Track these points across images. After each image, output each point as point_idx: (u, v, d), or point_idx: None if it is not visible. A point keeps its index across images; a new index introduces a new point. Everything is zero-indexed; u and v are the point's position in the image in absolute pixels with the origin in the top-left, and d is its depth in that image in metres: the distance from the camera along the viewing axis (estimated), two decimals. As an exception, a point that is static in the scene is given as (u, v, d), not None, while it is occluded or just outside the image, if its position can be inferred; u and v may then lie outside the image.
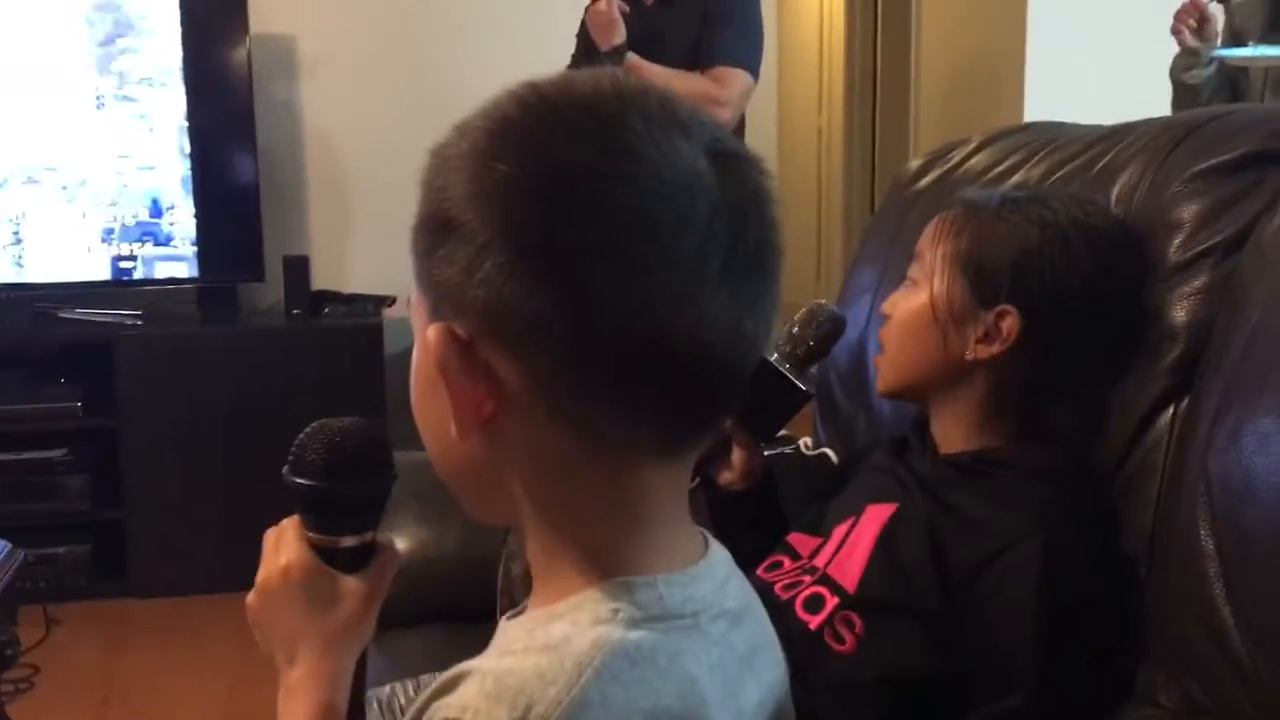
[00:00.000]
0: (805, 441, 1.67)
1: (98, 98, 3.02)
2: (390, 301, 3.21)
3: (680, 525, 0.66)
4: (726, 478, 1.28)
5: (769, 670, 0.69)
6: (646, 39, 2.73)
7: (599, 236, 0.56)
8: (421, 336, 0.62)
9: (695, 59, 2.68)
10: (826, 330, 1.23)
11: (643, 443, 0.60)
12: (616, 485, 0.61)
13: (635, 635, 0.58)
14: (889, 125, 4.76)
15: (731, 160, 0.60)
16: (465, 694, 0.56)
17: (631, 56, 2.61)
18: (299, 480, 0.74)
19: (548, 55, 2.90)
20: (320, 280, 3.23)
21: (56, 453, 2.96)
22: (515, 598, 1.46)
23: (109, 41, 3.01)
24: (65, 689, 2.51)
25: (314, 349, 3.09)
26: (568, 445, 0.59)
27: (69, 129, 3.00)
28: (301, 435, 0.75)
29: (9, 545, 1.69)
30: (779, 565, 1.20)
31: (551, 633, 0.58)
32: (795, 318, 1.25)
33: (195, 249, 3.08)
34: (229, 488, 2.99)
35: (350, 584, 0.75)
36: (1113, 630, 1.03)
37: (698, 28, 2.68)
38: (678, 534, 0.65)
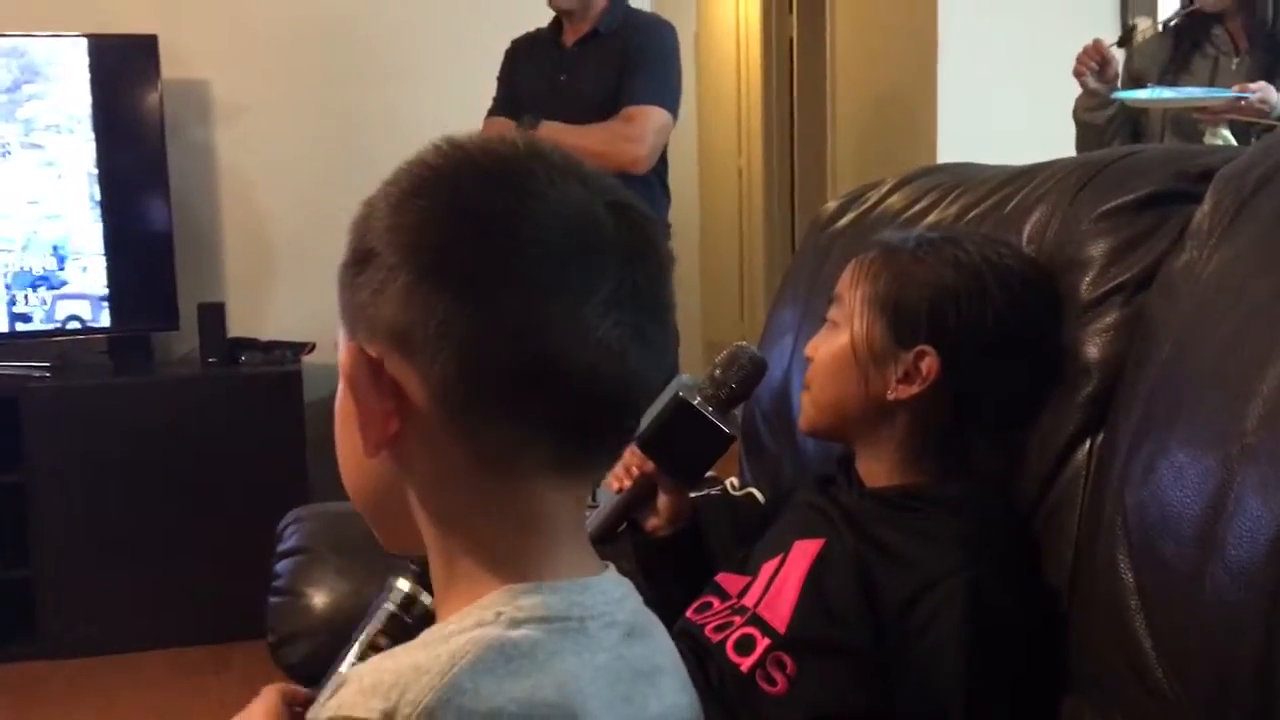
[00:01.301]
0: (731, 481, 1.68)
1: (2, 145, 2.94)
2: (309, 348, 3.16)
3: (573, 543, 0.69)
4: (653, 523, 1.27)
5: (674, 693, 0.71)
6: (569, 76, 2.79)
7: (496, 257, 0.62)
8: (341, 371, 0.66)
9: (612, 101, 2.73)
10: (748, 373, 1.24)
11: (533, 458, 0.64)
12: (513, 501, 0.65)
13: (514, 633, 0.61)
14: (807, 164, 4.84)
15: (628, 211, 0.66)
16: (343, 695, 0.60)
17: (545, 123, 2.65)
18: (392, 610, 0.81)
19: (466, 103, 2.90)
20: (236, 328, 3.17)
21: (-40, 511, 2.85)
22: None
23: (14, 88, 2.94)
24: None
25: (231, 397, 3.03)
26: (469, 461, 0.64)
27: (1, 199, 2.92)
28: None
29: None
30: (708, 606, 1.20)
31: (439, 634, 0.63)
32: (716, 360, 1.25)
33: (107, 297, 3.01)
34: (142, 543, 2.91)
35: None
36: (1038, 663, 1.04)
37: (616, 73, 2.72)
38: (571, 551, 0.68)
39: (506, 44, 2.95)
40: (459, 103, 2.93)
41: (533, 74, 2.86)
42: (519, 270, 0.62)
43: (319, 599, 1.58)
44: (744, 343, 1.29)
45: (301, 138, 3.34)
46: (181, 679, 2.76)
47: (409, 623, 0.81)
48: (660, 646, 0.72)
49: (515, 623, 0.62)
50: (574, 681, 0.62)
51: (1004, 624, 1.02)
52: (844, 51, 4.04)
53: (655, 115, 2.70)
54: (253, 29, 3.29)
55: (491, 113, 2.90)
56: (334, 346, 0.68)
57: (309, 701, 0.76)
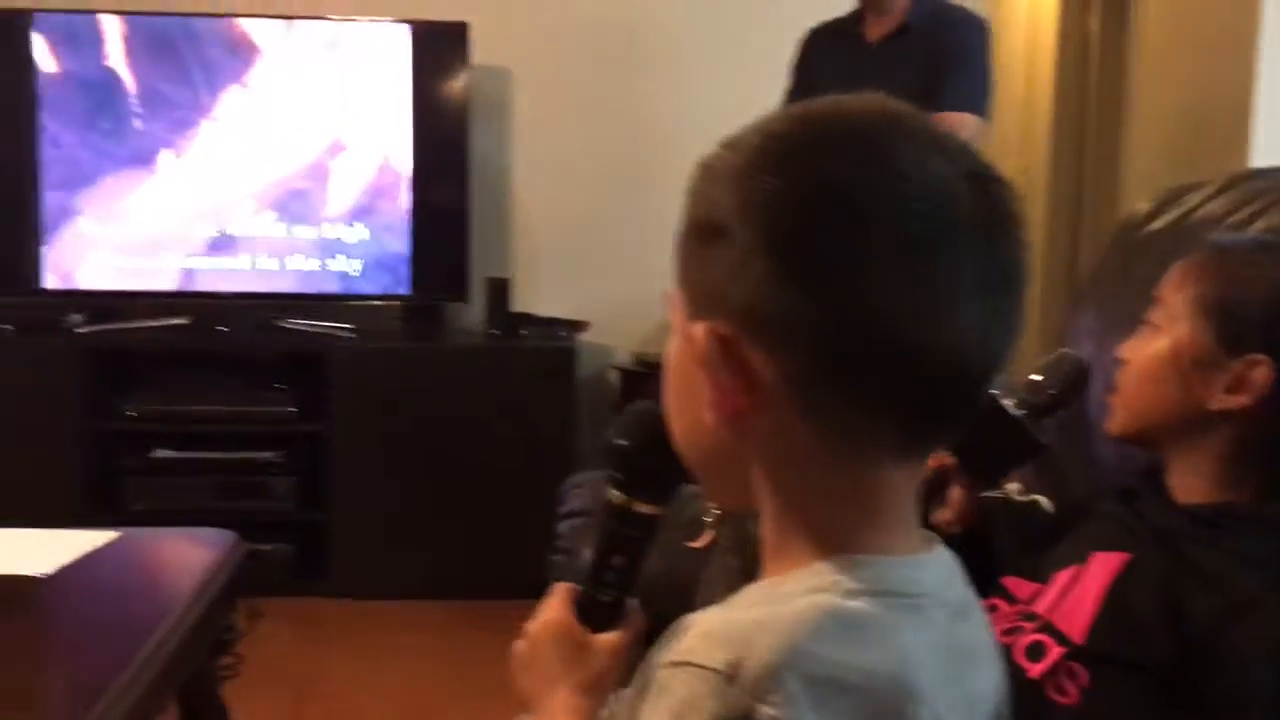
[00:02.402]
0: (1015, 488, 1.63)
1: (324, 120, 3.20)
2: (584, 326, 3.29)
3: (908, 521, 0.68)
4: (942, 517, 1.25)
5: (991, 671, 0.71)
6: (873, 76, 2.68)
7: (861, 248, 0.60)
8: (679, 331, 0.67)
9: (925, 103, 2.66)
10: (1071, 381, 1.20)
11: (884, 441, 0.64)
12: (854, 479, 0.65)
13: (853, 604, 0.62)
14: (1097, 169, 4.59)
15: (988, 183, 0.64)
16: (688, 641, 0.62)
17: None
18: (619, 442, 0.82)
19: (757, 90, 2.92)
20: (519, 303, 3.33)
21: (270, 454, 3.13)
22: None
23: (335, 71, 3.20)
24: (265, 680, 2.64)
25: (511, 368, 3.19)
26: (814, 440, 0.64)
27: (312, 159, 3.19)
28: (630, 408, 0.84)
29: (236, 537, 1.80)
30: (994, 608, 1.17)
31: (774, 593, 0.64)
32: (1037, 364, 1.22)
33: (408, 266, 3.22)
34: (425, 497, 3.11)
35: (602, 640, 0.82)
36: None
37: (924, 75, 2.55)
38: (906, 529, 0.68)
39: (797, 37, 2.88)
40: (750, 89, 2.94)
41: (829, 71, 2.69)
42: (883, 256, 0.60)
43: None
44: (1069, 350, 1.24)
45: (592, 127, 3.47)
46: (456, 630, 2.93)
47: (632, 535, 0.83)
48: (979, 625, 0.72)
49: (852, 593, 0.62)
50: (910, 658, 0.62)
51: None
52: (1148, 50, 3.82)
53: (970, 124, 2.56)
54: (555, 21, 3.44)
55: (787, 104, 2.88)
56: (666, 308, 0.70)
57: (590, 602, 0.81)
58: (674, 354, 0.68)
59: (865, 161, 0.61)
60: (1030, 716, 1.05)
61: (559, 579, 0.86)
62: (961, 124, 2.53)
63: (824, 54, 2.72)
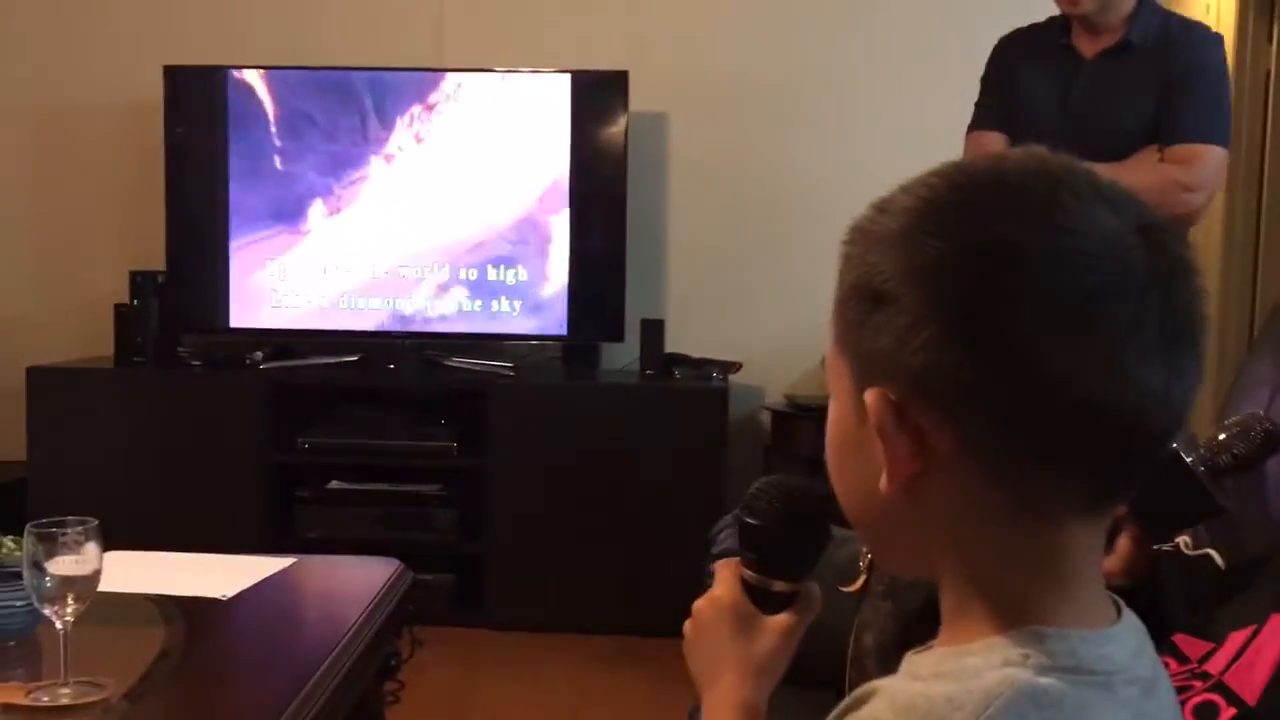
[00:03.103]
0: (1185, 540, 1.57)
1: (487, 169, 3.32)
2: (736, 367, 3.31)
3: (1094, 586, 0.66)
4: (1107, 565, 1.22)
5: None
6: (1089, 97, 2.28)
7: (1034, 310, 0.59)
8: (841, 397, 0.67)
9: (1153, 129, 2.24)
10: (1258, 445, 1.17)
11: (1067, 501, 0.62)
12: (1038, 541, 0.63)
13: (1045, 680, 0.60)
14: (1276, 209, 4.39)
15: (1158, 233, 0.62)
16: (875, 708, 0.60)
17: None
18: (751, 520, 0.82)
19: (908, 151, 2.89)
20: (673, 343, 3.38)
21: (432, 487, 3.24)
22: (866, 669, 1.45)
23: (501, 122, 3.32)
24: (424, 707, 2.73)
25: (664, 407, 3.23)
26: (994, 502, 0.62)
27: (477, 205, 3.33)
28: (761, 483, 0.83)
29: (402, 566, 1.88)
30: (1165, 665, 1.14)
31: (962, 665, 0.61)
32: (1225, 423, 1.19)
33: (566, 307, 3.31)
34: (580, 532, 3.17)
35: (772, 620, 0.82)
36: None
37: (1157, 92, 2.23)
38: (1092, 594, 0.66)
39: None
40: (901, 149, 2.88)
41: (1037, 87, 2.33)
42: (1055, 317, 0.59)
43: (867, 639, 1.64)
44: (1262, 414, 1.21)
45: (745, 171, 3.51)
46: (607, 665, 2.98)
47: (770, 612, 0.82)
48: (1168, 696, 0.69)
49: (1045, 669, 0.60)
50: None
51: None
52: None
53: (1215, 156, 2.23)
54: (710, 68, 3.50)
55: (977, 125, 2.39)
56: (821, 365, 0.70)
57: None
58: (836, 420, 0.68)
59: (1029, 219, 0.60)
60: (1200, 779, 1.02)
61: None
62: (1207, 157, 2.22)
63: (1029, 68, 2.35)
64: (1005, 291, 0.59)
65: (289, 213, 3.35)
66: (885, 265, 0.62)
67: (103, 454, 3.21)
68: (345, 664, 1.42)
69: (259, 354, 3.37)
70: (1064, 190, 0.61)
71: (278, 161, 3.34)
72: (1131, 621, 0.68)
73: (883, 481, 0.64)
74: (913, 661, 0.66)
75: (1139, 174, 2.14)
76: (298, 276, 3.36)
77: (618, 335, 3.34)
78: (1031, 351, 0.59)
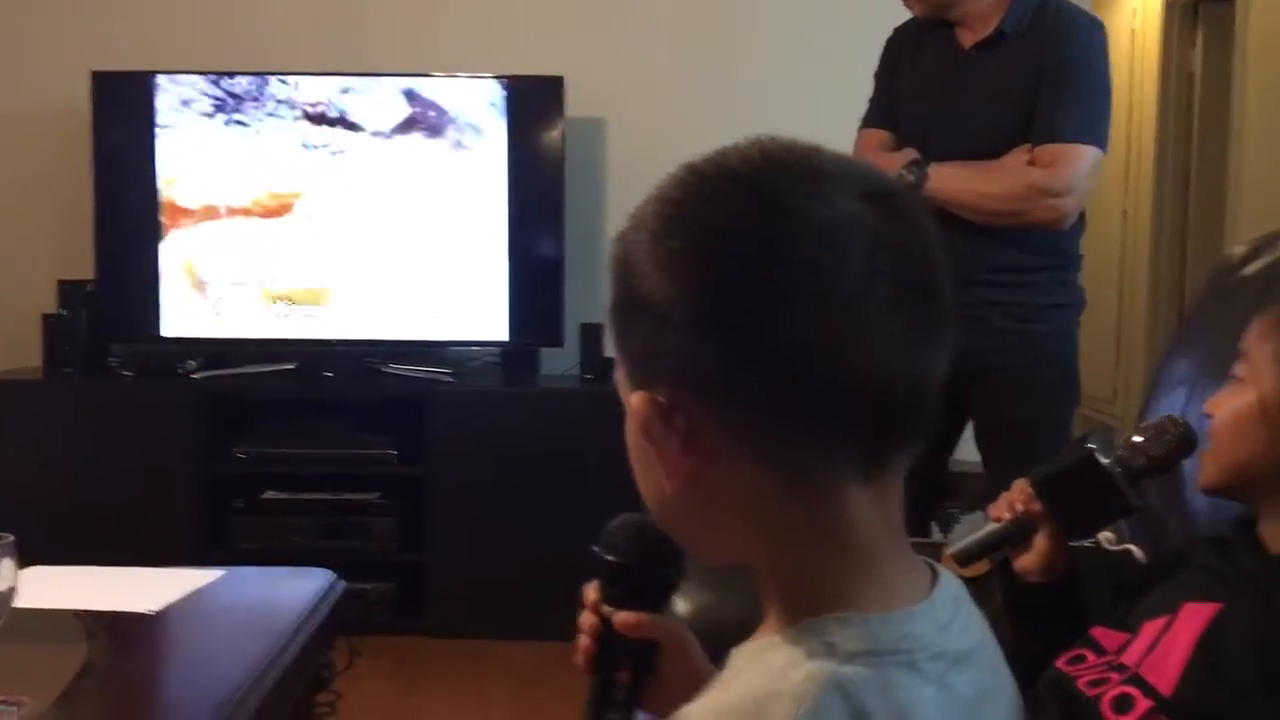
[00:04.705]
0: (1107, 536, 1.60)
1: (423, 178, 3.31)
2: (678, 371, 3.31)
3: (896, 560, 0.67)
4: (1024, 563, 1.24)
5: (1000, 715, 0.70)
6: (964, 91, 2.18)
7: (767, 289, 0.61)
8: (628, 405, 0.68)
9: (1021, 127, 2.12)
10: (1172, 448, 1.19)
11: (841, 469, 0.64)
12: (820, 514, 0.65)
13: (848, 669, 0.61)
14: (1202, 209, 4.49)
15: (888, 200, 0.64)
16: None
17: (935, 167, 2.10)
18: (608, 557, 0.85)
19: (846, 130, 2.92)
20: (612, 348, 3.36)
21: (371, 496, 3.22)
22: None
23: (431, 129, 3.30)
24: (362, 718, 2.70)
25: (605, 411, 3.19)
26: (770, 483, 0.64)
27: (420, 223, 3.30)
28: (614, 522, 0.86)
29: (334, 576, 1.86)
30: (1082, 659, 1.16)
31: (769, 663, 0.62)
32: (1142, 425, 1.22)
33: (508, 312, 3.29)
34: (520, 538, 3.15)
35: None
36: None
37: (1030, 86, 2.10)
38: (894, 568, 0.67)
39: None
40: (840, 129, 2.87)
41: (917, 81, 2.25)
42: (793, 296, 0.61)
43: (682, 607, 1.66)
44: (1178, 416, 1.23)
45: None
46: (547, 671, 2.96)
47: (635, 648, 0.85)
48: (989, 668, 0.70)
49: (848, 656, 0.61)
50: (907, 716, 0.61)
51: None
52: (1251, 84, 3.73)
53: (1084, 156, 2.09)
54: (647, 72, 3.51)
55: (867, 122, 2.32)
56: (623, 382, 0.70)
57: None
58: (629, 430, 0.69)
59: (751, 207, 0.63)
60: (1117, 770, 1.04)
61: None
62: (1075, 158, 2.08)
63: (914, 61, 2.27)
64: (735, 278, 0.62)
65: (221, 219, 3.30)
66: (636, 270, 0.65)
67: (32, 467, 3.14)
68: (273, 677, 1.40)
69: (191, 363, 3.32)
70: (782, 175, 0.64)
71: (208, 168, 3.29)
72: (947, 593, 0.69)
73: (668, 483, 0.66)
74: (732, 657, 0.67)
75: (1000, 179, 2.09)
76: (231, 284, 3.31)
77: (557, 340, 3.33)
78: (770, 332, 0.61)
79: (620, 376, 0.69)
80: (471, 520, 3.16)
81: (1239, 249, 1.59)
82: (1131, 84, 5.31)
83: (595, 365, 3.29)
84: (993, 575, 1.28)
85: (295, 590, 1.73)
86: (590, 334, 3.31)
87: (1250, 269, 1.50)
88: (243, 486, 3.23)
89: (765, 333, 0.61)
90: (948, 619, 0.67)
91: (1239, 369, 1.13)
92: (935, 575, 0.70)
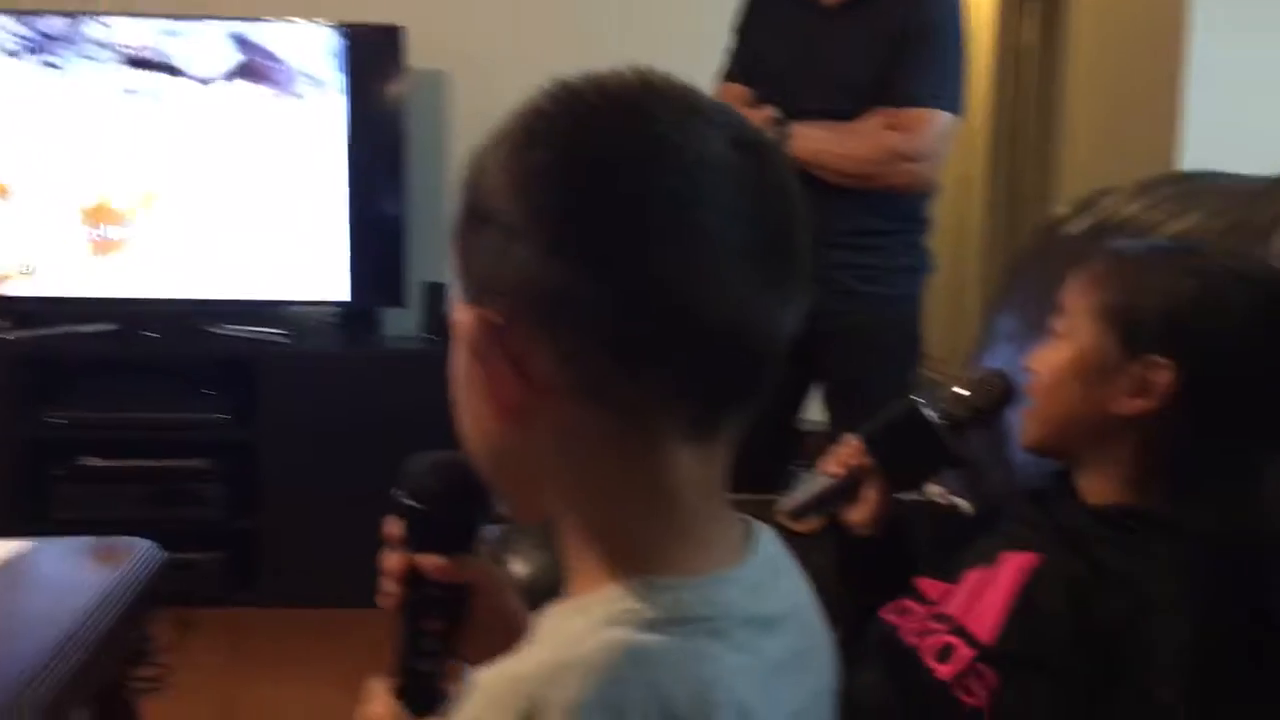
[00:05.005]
0: (936, 490, 1.64)
1: (255, 126, 3.16)
2: (523, 331, 3.26)
3: (715, 522, 0.65)
4: (855, 517, 1.25)
5: (812, 676, 0.69)
6: (823, 50, 2.16)
7: (623, 214, 0.58)
8: (458, 326, 0.64)
9: (879, 88, 2.12)
10: (993, 400, 1.21)
11: (672, 420, 0.61)
12: (646, 467, 0.62)
13: (646, 637, 0.58)
14: (1033, 172, 4.66)
15: (756, 148, 0.62)
16: (474, 706, 0.58)
17: (798, 127, 2.07)
18: (407, 501, 0.78)
19: (699, 83, 2.90)
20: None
21: (201, 462, 3.08)
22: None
23: (271, 77, 3.15)
24: (193, 692, 2.60)
25: (447, 376, 3.15)
26: (598, 424, 0.61)
27: (250, 167, 3.15)
28: (412, 461, 0.80)
29: (153, 546, 1.76)
30: (906, 610, 1.18)
31: (568, 631, 0.60)
32: (964, 378, 1.23)
33: (348, 271, 3.18)
34: (359, 505, 3.05)
35: None
36: (1264, 694, 0.98)
37: (887, 49, 2.10)
38: (711, 530, 0.65)
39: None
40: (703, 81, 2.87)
41: (777, 37, 2.22)
42: (650, 226, 0.58)
43: (519, 568, 1.63)
44: (1001, 369, 1.25)
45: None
46: (380, 641, 2.89)
47: (442, 595, 0.81)
48: (804, 628, 0.69)
49: (648, 624, 0.59)
50: (708, 689, 0.58)
51: (1231, 658, 0.96)
52: (1080, 57, 3.88)
53: (939, 121, 2.09)
54: (492, 24, 3.42)
55: (725, 76, 2.28)
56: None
57: None
58: (456, 359, 0.66)
59: (625, 130, 0.60)
60: (939, 719, 1.06)
61: None
62: (930, 122, 2.09)
63: (770, 18, 2.25)
64: (591, 199, 0.59)
65: (32, 169, 3.09)
66: (490, 184, 0.61)
67: None
68: (76, 654, 1.32)
69: (4, 323, 3.11)
70: (660, 103, 0.61)
71: (18, 112, 3.07)
72: (764, 555, 0.67)
73: (488, 410, 0.62)
74: (540, 619, 0.64)
75: (859, 141, 2.08)
76: (46, 239, 3.11)
77: (399, 300, 3.24)
78: (620, 258, 0.58)
79: (455, 298, 0.65)
80: (306, 488, 3.05)
81: (1062, 208, 1.64)
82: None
83: (438, 326, 3.21)
84: (827, 531, 1.29)
85: (107, 560, 1.64)
86: (434, 294, 3.23)
87: (1072, 228, 1.54)
88: (60, 453, 3.05)
89: (621, 257, 0.58)
90: (761, 580, 0.65)
91: (1058, 324, 1.16)
92: (753, 538, 0.68)
